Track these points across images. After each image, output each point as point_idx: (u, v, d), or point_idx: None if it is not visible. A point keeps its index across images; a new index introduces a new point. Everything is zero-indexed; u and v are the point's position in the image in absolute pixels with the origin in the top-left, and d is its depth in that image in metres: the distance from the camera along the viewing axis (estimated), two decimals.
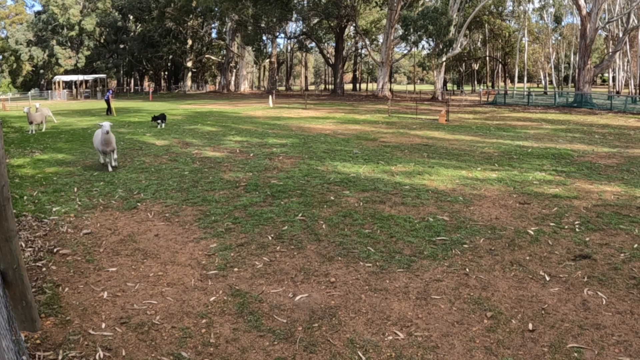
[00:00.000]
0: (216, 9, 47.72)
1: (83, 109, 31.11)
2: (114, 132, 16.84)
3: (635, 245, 5.46)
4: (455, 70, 67.22)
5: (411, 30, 35.30)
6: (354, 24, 48.51)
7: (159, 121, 18.36)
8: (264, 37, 52.43)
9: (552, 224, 6.25)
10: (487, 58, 61.63)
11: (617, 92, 40.10)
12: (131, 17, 60.88)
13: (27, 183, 8.82)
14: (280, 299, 4.33)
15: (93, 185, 8.65)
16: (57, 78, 52.90)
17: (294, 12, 47.87)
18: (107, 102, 26.48)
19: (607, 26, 37.75)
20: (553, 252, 5.31)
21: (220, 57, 63.90)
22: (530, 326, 3.82)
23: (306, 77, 75.21)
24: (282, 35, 58.47)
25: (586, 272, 4.80)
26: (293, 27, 59.70)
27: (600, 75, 58.76)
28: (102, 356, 3.47)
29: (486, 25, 54.51)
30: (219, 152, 12.18)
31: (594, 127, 17.99)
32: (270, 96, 35.03)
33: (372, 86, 68.03)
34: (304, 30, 55.43)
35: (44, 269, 4.99)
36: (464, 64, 65.50)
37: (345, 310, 4.11)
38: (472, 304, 4.19)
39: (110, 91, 28.81)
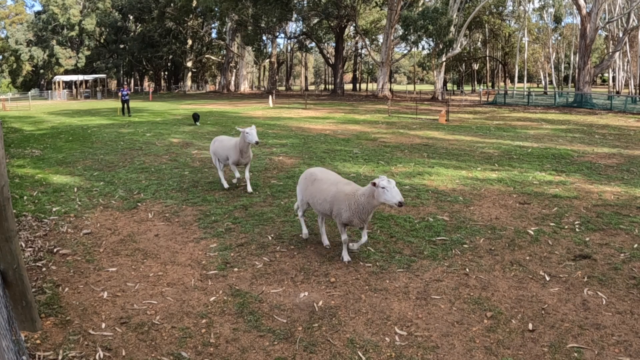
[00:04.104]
0: (216, 9, 47.71)
1: (83, 109, 31.11)
2: (115, 132, 16.92)
3: (635, 245, 5.46)
4: (455, 70, 67.17)
5: (411, 30, 35.29)
6: (354, 24, 48.50)
7: (196, 121, 20.08)
8: (264, 37, 52.44)
9: (552, 224, 6.25)
10: (487, 58, 61.60)
11: (617, 92, 40.07)
12: (131, 17, 60.87)
13: (27, 183, 8.82)
14: (280, 299, 4.33)
15: (93, 185, 8.65)
16: (57, 78, 52.92)
17: (294, 12, 47.86)
18: (126, 101, 24.53)
19: (607, 26, 37.74)
20: (553, 252, 5.31)
21: (220, 57, 63.90)
22: (530, 326, 3.82)
23: (306, 77, 75.17)
24: (282, 35, 58.54)
25: (586, 272, 4.80)
26: (293, 27, 59.76)
27: (600, 75, 58.74)
28: (102, 356, 3.47)
29: (486, 25, 54.49)
30: None
31: (594, 127, 17.98)
32: (270, 96, 35.03)
33: (372, 86, 68.01)
34: (304, 30, 55.43)
35: (44, 269, 4.99)
36: (464, 64, 65.47)
37: (345, 310, 4.12)
38: (472, 304, 4.19)
39: (123, 90, 25.39)
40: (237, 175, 7.99)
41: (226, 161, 8.00)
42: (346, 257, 5.08)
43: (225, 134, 16.18)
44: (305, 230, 5.74)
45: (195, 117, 20.43)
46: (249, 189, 7.89)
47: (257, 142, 7.35)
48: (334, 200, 4.93)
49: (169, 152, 12.30)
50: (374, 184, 4.54)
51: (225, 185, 8.21)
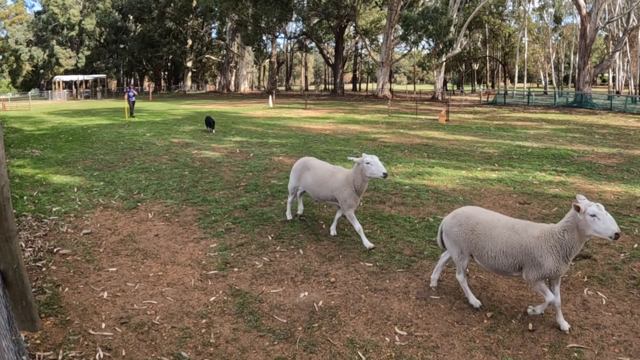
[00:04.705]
0: (216, 9, 47.72)
1: (83, 109, 31.11)
2: (115, 132, 16.93)
3: (635, 245, 5.46)
4: (455, 70, 67.18)
5: (411, 30, 35.28)
6: (354, 24, 48.50)
7: (210, 128, 16.71)
8: (264, 37, 52.43)
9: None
10: (487, 58, 61.60)
11: (617, 92, 40.07)
12: (131, 17, 60.86)
13: (27, 183, 8.82)
14: (280, 299, 4.33)
15: (93, 185, 8.65)
16: (57, 78, 52.90)
17: (294, 12, 47.85)
18: (133, 102, 23.91)
19: (607, 26, 37.74)
20: None
21: (220, 57, 63.90)
22: (530, 326, 3.82)
23: (306, 77, 75.15)
24: (282, 35, 58.50)
25: (586, 272, 4.80)
26: (293, 27, 59.74)
27: (600, 75, 58.73)
28: (102, 356, 3.47)
29: (486, 25, 54.50)
30: (219, 152, 12.18)
31: (594, 127, 17.98)
32: (270, 96, 35.03)
33: (372, 86, 68.00)
34: (304, 30, 55.42)
35: (44, 269, 4.99)
36: (464, 64, 65.47)
37: (345, 310, 4.11)
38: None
39: (129, 90, 24.56)
40: (358, 225, 5.46)
41: (329, 201, 5.88)
42: (564, 324, 3.77)
43: (224, 134, 16.16)
44: (434, 282, 4.47)
45: (210, 121, 16.53)
46: (333, 231, 5.90)
47: (385, 175, 5.10)
48: (524, 252, 3.72)
49: (169, 152, 12.30)
50: (578, 209, 3.46)
51: (289, 217, 6.44)
